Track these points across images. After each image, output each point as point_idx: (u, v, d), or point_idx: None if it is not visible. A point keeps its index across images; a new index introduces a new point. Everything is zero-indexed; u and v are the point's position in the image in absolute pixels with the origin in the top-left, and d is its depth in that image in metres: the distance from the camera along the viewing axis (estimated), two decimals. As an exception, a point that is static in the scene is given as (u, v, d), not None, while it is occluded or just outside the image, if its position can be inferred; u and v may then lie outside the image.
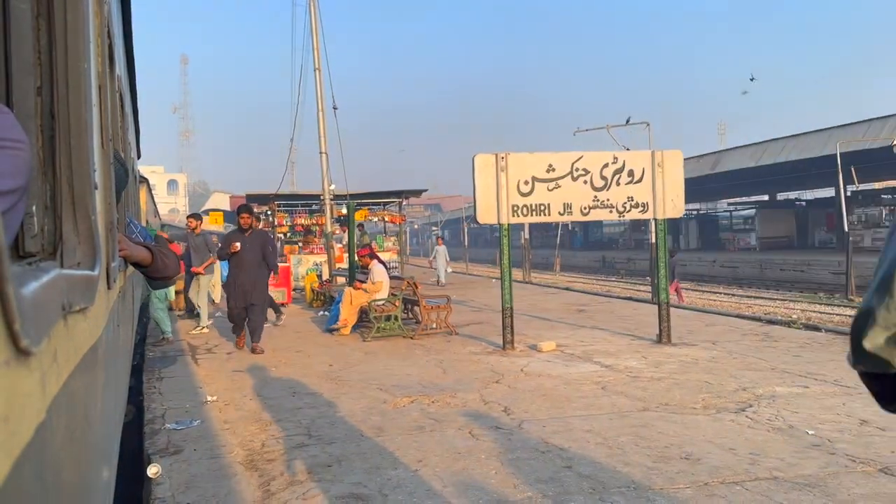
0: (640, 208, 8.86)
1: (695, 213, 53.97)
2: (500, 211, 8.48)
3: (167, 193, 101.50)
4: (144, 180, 16.14)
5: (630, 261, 47.22)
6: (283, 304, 15.89)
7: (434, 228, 70.45)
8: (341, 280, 16.09)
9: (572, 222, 57.37)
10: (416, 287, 9.91)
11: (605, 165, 8.79)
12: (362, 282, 11.18)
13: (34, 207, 1.08)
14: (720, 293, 27.04)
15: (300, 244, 21.75)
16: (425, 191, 22.45)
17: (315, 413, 5.81)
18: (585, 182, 8.74)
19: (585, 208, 8.75)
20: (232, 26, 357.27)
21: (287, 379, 7.32)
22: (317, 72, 16.62)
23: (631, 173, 8.82)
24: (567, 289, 21.12)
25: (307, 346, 9.61)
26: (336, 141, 16.22)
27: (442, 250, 22.49)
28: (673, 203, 8.89)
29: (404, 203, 22.96)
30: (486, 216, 8.52)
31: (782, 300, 23.60)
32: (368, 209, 23.16)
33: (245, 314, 9.25)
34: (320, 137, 16.59)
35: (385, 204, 23.91)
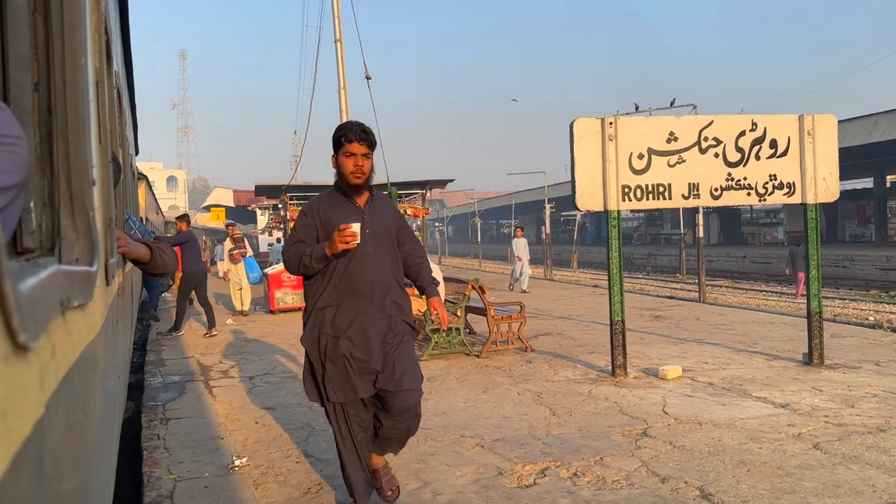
0: (786, 190, 6.82)
1: (712, 209, 51.96)
2: (608, 193, 6.45)
3: (166, 190, 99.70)
4: (143, 177, 15.40)
5: (651, 256, 45.24)
6: (303, 308, 13.95)
7: (438, 225, 68.35)
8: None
9: (586, 213, 55.46)
10: (484, 291, 7.88)
11: (742, 134, 6.75)
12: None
13: (32, 203, 1.08)
14: (765, 291, 24.96)
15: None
16: (451, 181, 20.38)
17: (402, 494, 3.79)
18: (717, 155, 6.70)
19: (716, 190, 6.71)
20: (231, 14, 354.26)
21: (339, 424, 5.30)
22: (338, 44, 14.54)
23: (773, 144, 6.78)
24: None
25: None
26: (365, 120, 14.12)
27: (522, 245, 17.03)
28: (825, 184, 6.85)
29: (428, 195, 20.89)
30: (587, 200, 6.48)
31: (840, 299, 21.51)
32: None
33: (370, 416, 3.56)
34: (342, 120, 14.50)
35: (405, 196, 21.89)
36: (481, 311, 8.07)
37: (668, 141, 6.60)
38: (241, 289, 13.20)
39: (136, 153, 9.50)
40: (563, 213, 67.29)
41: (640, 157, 6.55)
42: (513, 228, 62.56)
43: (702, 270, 19.39)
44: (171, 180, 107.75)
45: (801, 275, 24.13)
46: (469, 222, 72.53)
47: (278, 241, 26.54)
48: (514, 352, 8.01)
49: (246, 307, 13.25)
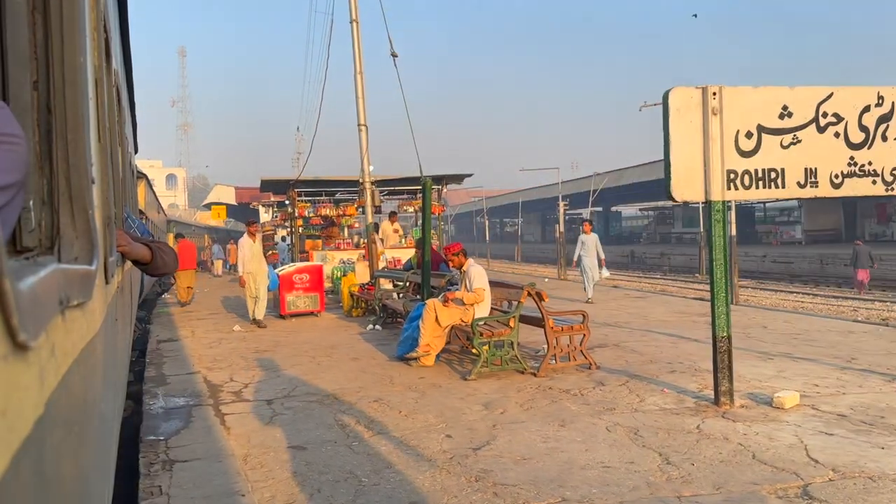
0: (920, 177, 5.64)
1: (729, 204, 50.84)
2: (710, 180, 5.26)
3: (166, 188, 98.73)
4: (143, 176, 14.89)
5: (664, 255, 44.07)
6: (316, 312, 12.74)
7: (441, 224, 66.78)
8: (387, 285, 12.88)
9: (595, 213, 54.36)
10: (543, 298, 6.69)
11: (866, 109, 5.56)
12: (451, 289, 7.99)
13: (31, 202, 1.08)
14: (797, 293, 23.73)
15: (322, 238, 18.56)
16: (469, 175, 19.18)
17: None
18: (837, 135, 5.51)
19: (837, 177, 5.52)
20: (231, 10, 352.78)
21: (390, 475, 4.11)
22: (353, 24, 13.34)
23: (905, 121, 5.60)
24: (642, 291, 17.95)
25: (383, 388, 6.41)
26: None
27: (592, 241, 13.86)
28: (966, 169, 5.67)
29: (444, 190, 19.70)
30: (684, 188, 5.30)
31: (890, 302, 20.18)
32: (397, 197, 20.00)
33: None
34: (358, 106, 13.32)
35: (417, 192, 20.71)
36: (537, 322, 6.89)
37: (781, 117, 5.42)
38: (256, 297, 11.60)
39: (136, 151, 9.24)
40: (567, 212, 66.19)
41: (749, 135, 5.36)
42: (519, 227, 61.60)
43: (734, 271, 18.18)
44: (171, 178, 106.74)
45: (864, 272, 22.86)
46: (474, 221, 71.32)
47: (283, 239, 25.33)
48: (576, 369, 6.83)
49: (260, 315, 11.69)
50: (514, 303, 7.02)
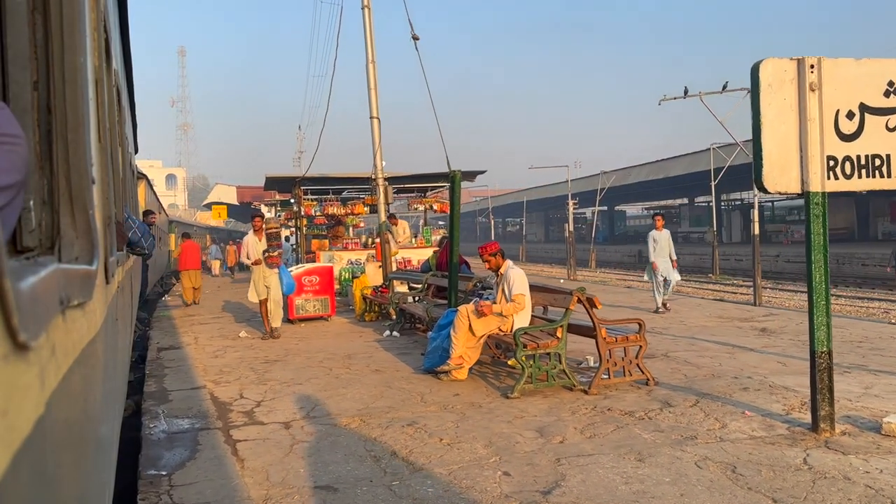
0: None
1: (738, 202, 50.07)
2: (808, 167, 4.48)
3: (166, 188, 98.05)
4: (143, 176, 14.66)
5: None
6: (326, 317, 11.95)
7: (440, 223, 66.11)
8: (401, 287, 12.10)
9: (600, 212, 53.47)
10: (596, 305, 5.90)
11: (984, 85, 4.78)
12: (483, 296, 7.19)
13: (32, 202, 1.08)
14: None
15: (329, 238, 17.78)
16: (482, 172, 18.36)
17: None
18: (951, 116, 4.73)
19: (951, 164, 4.74)
20: (231, 8, 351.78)
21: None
22: (365, 10, 12.54)
23: None
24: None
25: (415, 408, 5.62)
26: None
27: (666, 239, 11.50)
28: None
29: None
30: (777, 176, 4.51)
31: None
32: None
33: None
34: (371, 97, 12.52)
35: (427, 190, 19.93)
36: (586, 332, 6.10)
37: (887, 94, 4.63)
38: (268, 298, 10.09)
39: (136, 152, 9.09)
40: (573, 212, 65.37)
41: (850, 115, 4.57)
42: (523, 227, 60.74)
43: (757, 271, 17.41)
44: (171, 178, 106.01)
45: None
46: (476, 221, 70.49)
47: (286, 239, 24.53)
48: (631, 385, 6.04)
49: (276, 323, 10.09)
50: (555, 309, 6.23)
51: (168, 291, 22.20)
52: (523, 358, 5.73)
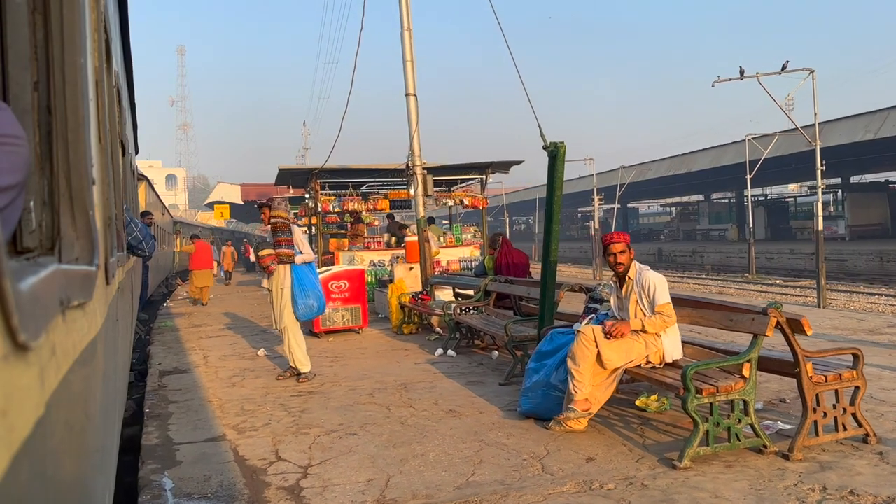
0: None
1: (762, 197, 48.23)
2: None
3: (166, 188, 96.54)
4: (144, 178, 14.29)
5: (696, 254, 41.57)
6: (357, 329, 10.13)
7: (445, 222, 63.97)
8: (444, 294, 10.29)
9: (602, 212, 51.40)
10: (805, 329, 4.03)
11: None
12: (595, 308, 5.32)
13: (32, 203, 1.07)
14: (880, 294, 20.89)
15: (349, 237, 15.99)
16: (519, 162, 16.53)
17: None
18: None
19: None
20: (231, 7, 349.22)
21: None
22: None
23: None
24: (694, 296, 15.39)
25: (542, 486, 3.73)
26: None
27: None
28: None
29: (487, 180, 17.10)
30: None
31: None
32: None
33: None
34: (406, 70, 10.67)
35: (458, 182, 18.14)
36: (776, 367, 4.27)
37: None
38: (283, 327, 7.14)
39: (137, 152, 8.90)
40: (579, 210, 63.49)
41: None
42: (536, 225, 58.84)
43: (822, 272, 15.50)
44: (171, 178, 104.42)
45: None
46: (484, 219, 68.60)
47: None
48: (844, 444, 4.20)
49: (305, 368, 7.00)
50: (706, 331, 4.39)
51: (170, 295, 20.47)
52: (695, 409, 3.91)
